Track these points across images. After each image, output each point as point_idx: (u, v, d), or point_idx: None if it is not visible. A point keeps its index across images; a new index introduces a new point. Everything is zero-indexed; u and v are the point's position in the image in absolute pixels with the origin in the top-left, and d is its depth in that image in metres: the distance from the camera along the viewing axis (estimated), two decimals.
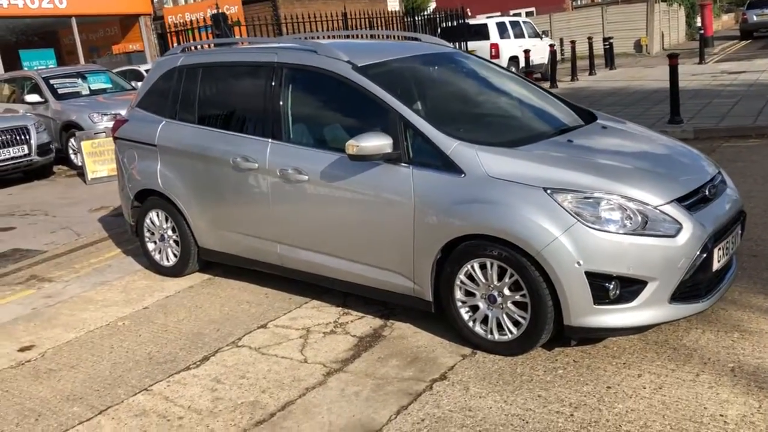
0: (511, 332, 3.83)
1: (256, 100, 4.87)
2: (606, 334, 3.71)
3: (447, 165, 3.93)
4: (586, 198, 3.59)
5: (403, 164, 4.07)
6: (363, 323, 4.52)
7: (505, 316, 3.84)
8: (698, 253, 3.57)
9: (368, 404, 3.52)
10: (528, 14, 36.18)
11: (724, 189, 4.05)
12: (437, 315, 4.19)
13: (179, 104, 5.38)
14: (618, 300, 3.55)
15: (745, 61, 19.76)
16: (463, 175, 3.86)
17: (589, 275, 3.51)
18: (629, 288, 3.54)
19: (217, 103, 5.32)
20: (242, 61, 5.15)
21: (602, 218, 3.53)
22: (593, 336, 3.76)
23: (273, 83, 4.75)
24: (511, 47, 19.49)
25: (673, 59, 9.77)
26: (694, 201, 3.73)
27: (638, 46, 27.56)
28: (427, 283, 4.06)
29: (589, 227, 3.51)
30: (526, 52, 17.67)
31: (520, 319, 3.77)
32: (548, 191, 3.63)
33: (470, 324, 3.98)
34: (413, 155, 4.08)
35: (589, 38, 21.12)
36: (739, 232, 4.05)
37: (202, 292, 5.37)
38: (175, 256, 5.62)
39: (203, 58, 5.40)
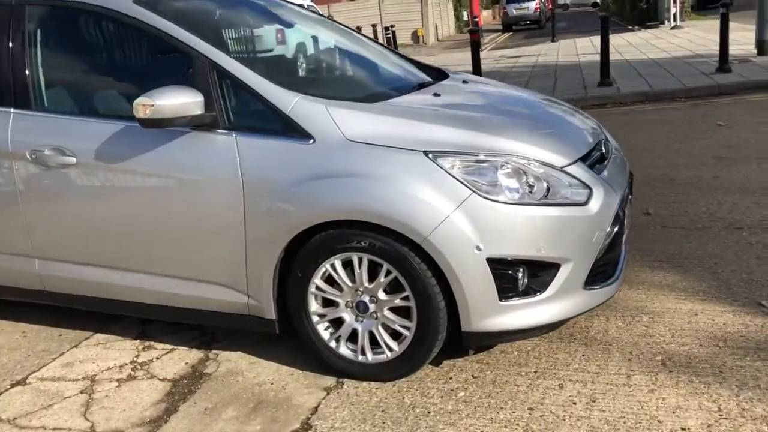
0: (390, 349, 2.84)
1: None
2: (513, 338, 2.86)
3: (287, 128, 2.83)
4: (479, 162, 2.69)
5: (221, 131, 2.89)
6: (174, 359, 3.26)
7: (380, 328, 2.84)
8: (611, 222, 2.85)
9: None
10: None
11: (610, 146, 3.40)
12: (283, 336, 3.08)
13: None
14: (527, 292, 2.71)
15: (516, 48, 20.78)
16: (311, 141, 2.78)
17: (493, 263, 2.63)
18: (539, 275, 2.72)
19: None
20: None
21: (502, 187, 2.66)
22: (496, 342, 2.91)
23: (11, 30, 3.27)
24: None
25: (474, 34, 9.45)
26: (593, 161, 3.01)
27: (415, 36, 28.14)
28: (268, 295, 2.93)
29: (488, 199, 2.63)
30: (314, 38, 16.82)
31: (402, 330, 2.80)
32: (430, 155, 2.68)
33: (332, 344, 2.93)
34: (235, 118, 2.92)
35: (374, 26, 20.92)
36: (630, 197, 3.43)
37: None
38: None
39: None
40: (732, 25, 18.37)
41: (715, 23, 21.18)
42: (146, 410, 2.85)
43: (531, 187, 2.69)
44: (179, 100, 2.78)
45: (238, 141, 2.85)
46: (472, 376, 2.86)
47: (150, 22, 3.02)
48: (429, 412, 2.64)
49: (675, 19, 20.73)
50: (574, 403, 2.60)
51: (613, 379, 2.74)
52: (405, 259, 2.67)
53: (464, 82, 3.75)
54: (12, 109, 3.26)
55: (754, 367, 2.71)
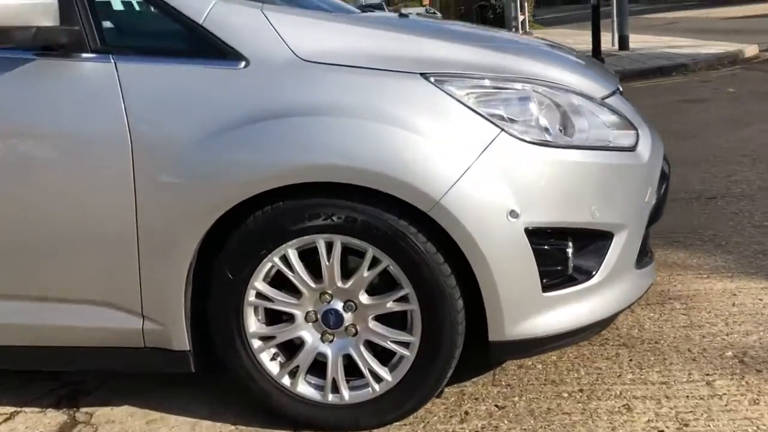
0: (378, 379, 1.88)
1: None
2: (558, 346, 1.99)
3: (201, 47, 1.80)
4: (502, 88, 1.82)
5: (90, 55, 1.80)
6: (18, 430, 2.09)
7: (362, 348, 1.87)
8: (659, 177, 2.09)
9: None
10: None
11: None
12: (196, 376, 2.02)
13: None
14: (573, 277, 1.86)
15: None
16: (242, 65, 1.78)
17: (533, 235, 1.76)
18: (587, 252, 1.89)
19: None
20: None
21: (539, 123, 1.80)
22: (534, 354, 2.03)
23: None
24: None
25: None
26: None
27: None
28: (176, 313, 1.87)
29: (523, 141, 1.76)
30: None
31: (397, 349, 1.85)
32: (432, 79, 1.77)
33: (285, 381, 1.92)
34: (112, 35, 1.89)
35: None
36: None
37: None
38: None
39: None
40: (579, 32, 19.10)
41: (560, 31, 22.08)
42: None
43: (570, 124, 1.85)
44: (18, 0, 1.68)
45: (121, 71, 1.79)
46: (497, 406, 1.97)
47: None
48: None
49: (523, 27, 21.25)
50: (663, 431, 1.78)
51: (692, 390, 1.96)
52: (402, 238, 1.74)
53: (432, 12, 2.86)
54: None
55: None
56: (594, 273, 1.87)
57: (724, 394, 1.92)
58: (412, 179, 1.69)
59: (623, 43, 11.99)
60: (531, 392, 2.02)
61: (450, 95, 1.75)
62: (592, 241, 1.88)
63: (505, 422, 1.88)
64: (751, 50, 11.35)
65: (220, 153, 1.74)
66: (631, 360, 2.15)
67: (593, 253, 1.89)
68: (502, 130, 1.74)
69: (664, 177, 2.12)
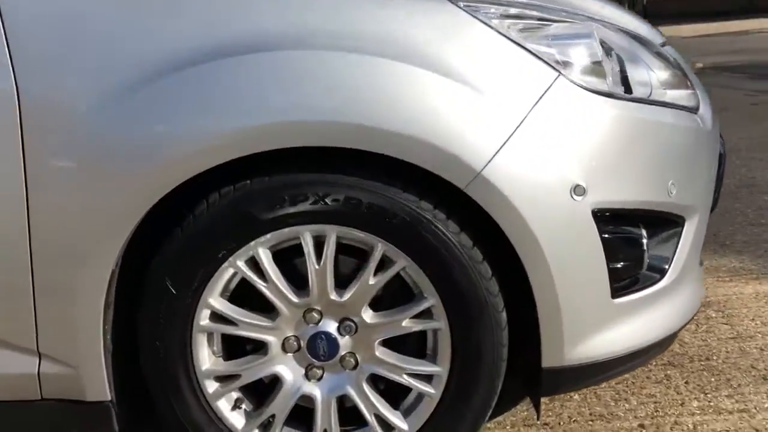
0: (387, 430, 1.33)
1: None
2: (621, 372, 1.49)
3: None
4: (550, 20, 1.33)
5: None
6: None
7: (365, 387, 1.32)
8: (720, 144, 1.67)
9: None
10: None
11: None
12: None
13: None
14: (646, 278, 1.40)
15: None
16: None
17: (601, 219, 1.27)
18: (657, 243, 1.42)
19: None
20: None
21: (602, 70, 1.33)
22: (592, 384, 1.53)
23: None
24: None
25: None
26: None
27: None
28: (94, 349, 1.27)
29: (587, 90, 1.28)
30: None
31: (418, 385, 1.31)
32: (461, 4, 1.26)
33: None
34: None
35: None
36: None
37: None
38: None
39: None
40: None
41: None
42: None
43: (632, 75, 1.39)
44: None
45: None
46: None
47: None
48: None
49: None
50: None
51: None
52: (426, 227, 1.22)
53: None
54: None
55: None
56: (666, 271, 1.41)
57: None
58: (444, 142, 1.18)
59: None
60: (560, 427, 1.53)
61: (488, 25, 1.25)
62: (663, 229, 1.42)
63: None
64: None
65: (145, 112, 1.18)
66: (687, 383, 1.71)
67: (663, 246, 1.43)
68: (560, 73, 1.25)
69: (721, 156, 1.69)
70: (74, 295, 1.24)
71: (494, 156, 1.19)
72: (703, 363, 1.80)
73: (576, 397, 1.67)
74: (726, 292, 2.23)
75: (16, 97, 1.18)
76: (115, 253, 1.21)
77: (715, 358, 1.82)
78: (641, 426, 1.54)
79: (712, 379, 1.71)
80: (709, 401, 1.62)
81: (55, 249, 1.22)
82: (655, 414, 1.58)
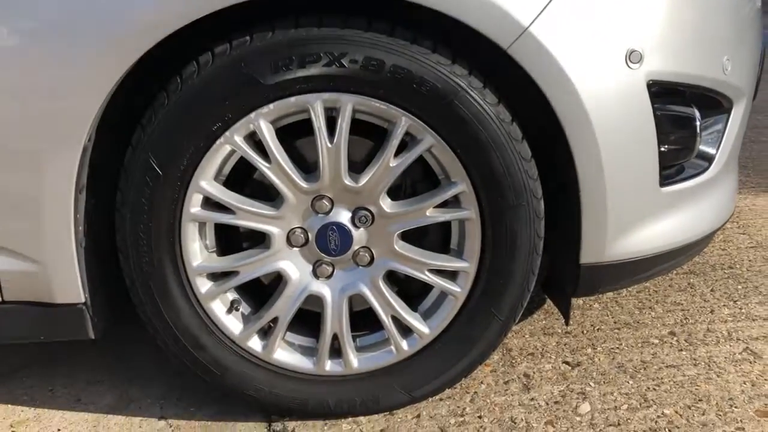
0: (406, 334, 1.17)
1: None
2: (661, 271, 1.33)
3: None
4: None
5: None
6: None
7: (382, 285, 1.15)
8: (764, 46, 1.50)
9: None
10: None
11: None
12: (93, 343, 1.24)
13: None
14: (694, 165, 1.25)
15: None
16: None
17: (656, 94, 1.10)
18: (705, 127, 1.27)
19: None
20: None
21: None
22: (631, 284, 1.38)
23: None
24: None
25: None
26: None
27: None
28: (63, 243, 1.07)
29: None
30: None
31: (443, 283, 1.15)
32: None
33: (254, 344, 1.17)
34: None
35: None
36: None
37: None
38: None
39: None
40: None
41: None
42: None
43: None
44: None
45: None
46: (567, 363, 1.34)
47: None
48: None
49: None
50: None
51: None
52: (460, 97, 1.04)
53: None
54: None
55: None
56: (713, 160, 1.26)
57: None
58: None
59: None
60: (605, 341, 1.40)
61: None
62: (713, 111, 1.26)
63: (593, 385, 1.26)
64: None
65: None
66: (713, 291, 1.59)
67: (712, 131, 1.28)
68: None
69: (764, 45, 1.53)
70: (39, 179, 1.03)
71: (544, 9, 1.00)
72: (726, 271, 1.68)
73: (596, 305, 1.54)
74: (738, 204, 2.11)
75: None
76: (87, 124, 1.01)
77: (738, 266, 1.70)
78: (672, 333, 1.41)
79: (739, 287, 1.60)
80: (740, 308, 1.50)
81: (15, 119, 1.01)
82: (685, 321, 1.46)
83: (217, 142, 1.06)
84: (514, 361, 1.34)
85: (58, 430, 1.23)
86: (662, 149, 1.14)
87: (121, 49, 0.98)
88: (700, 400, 1.20)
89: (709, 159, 1.26)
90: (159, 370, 1.36)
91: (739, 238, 1.87)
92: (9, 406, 1.31)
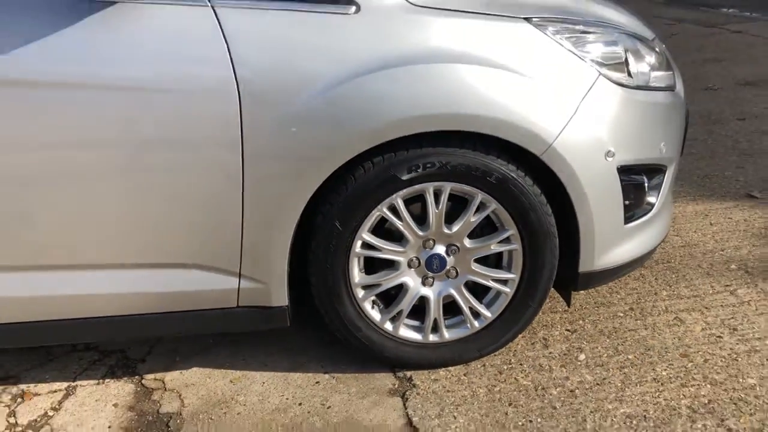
0: (477, 316, 1.98)
1: None
2: (627, 272, 2.15)
3: None
4: (590, 33, 1.92)
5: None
6: (89, 404, 1.96)
7: (464, 289, 1.95)
8: (686, 112, 2.32)
9: None
10: None
11: None
12: (241, 334, 2.00)
13: None
14: (644, 209, 2.07)
15: None
16: (353, 10, 1.72)
17: (623, 172, 1.92)
18: (651, 185, 2.08)
19: None
20: None
21: (627, 66, 1.94)
22: (610, 281, 2.19)
23: None
24: None
25: None
26: None
27: None
28: (277, 271, 1.83)
29: (616, 83, 1.89)
30: None
31: (499, 287, 1.95)
32: (534, 20, 1.83)
33: (387, 326, 1.96)
34: None
35: None
36: None
37: None
38: None
39: None
40: None
41: None
42: None
43: (639, 67, 2.00)
44: None
45: (221, 13, 1.66)
46: (568, 330, 2.16)
47: None
48: (573, 391, 1.88)
49: None
50: (720, 336, 2.07)
51: (722, 300, 2.27)
52: (511, 182, 1.82)
53: None
54: None
55: None
56: (654, 203, 2.08)
57: (750, 300, 2.25)
58: (528, 123, 1.76)
59: None
60: (590, 315, 2.22)
61: (553, 39, 1.82)
62: (653, 174, 2.07)
63: (585, 343, 2.08)
64: None
65: (336, 102, 1.69)
66: (656, 279, 2.42)
67: (654, 186, 2.09)
68: (600, 73, 1.85)
69: (687, 115, 2.34)
70: (273, 231, 1.77)
71: (561, 132, 1.79)
72: (665, 265, 2.52)
73: (582, 292, 2.36)
74: (673, 210, 2.95)
75: (235, 85, 1.65)
76: (304, 202, 1.75)
77: (672, 261, 2.54)
78: (631, 309, 2.24)
79: (673, 276, 2.43)
80: (674, 291, 2.34)
81: (261, 199, 1.74)
82: (640, 301, 2.29)
83: (373, 211, 1.82)
84: (535, 330, 2.15)
85: (263, 383, 2.00)
86: (626, 203, 1.94)
87: (333, 157, 1.72)
88: (648, 350, 2.03)
89: (652, 204, 2.07)
90: (316, 345, 2.13)
91: (674, 239, 2.71)
92: (220, 369, 2.06)
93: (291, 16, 1.70)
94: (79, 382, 2.04)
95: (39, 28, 1.60)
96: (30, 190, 1.68)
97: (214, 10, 1.66)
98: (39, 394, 2.00)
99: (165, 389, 2.00)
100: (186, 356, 2.14)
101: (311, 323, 2.17)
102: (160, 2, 1.64)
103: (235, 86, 1.66)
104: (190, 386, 2.00)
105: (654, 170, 2.06)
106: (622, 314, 2.22)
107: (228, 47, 1.65)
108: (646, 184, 2.00)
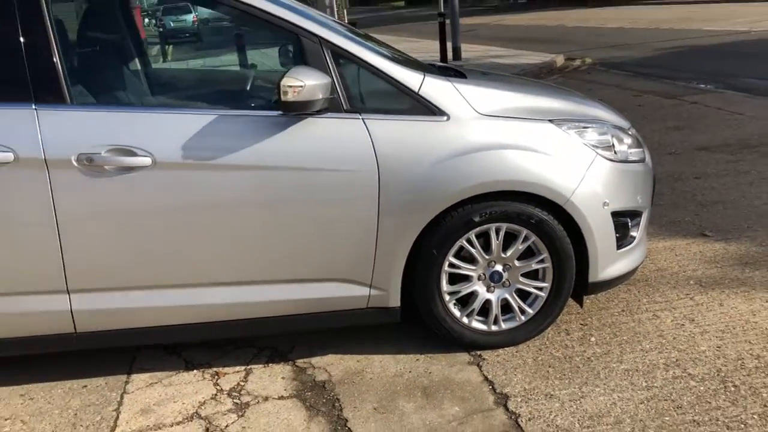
0: (523, 312, 2.98)
1: None
2: (618, 284, 3.19)
3: (417, 108, 2.77)
4: (589, 128, 3.00)
5: (345, 114, 2.70)
6: (264, 378, 2.91)
7: (514, 294, 2.96)
8: (654, 179, 3.40)
9: None
10: None
11: None
12: (355, 330, 2.98)
13: None
14: (629, 240, 3.11)
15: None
16: (445, 118, 2.78)
17: (615, 216, 2.97)
18: (632, 224, 3.14)
19: None
20: None
21: (613, 147, 3.01)
22: (608, 288, 3.20)
23: (17, 4, 2.54)
24: None
25: None
26: None
27: None
28: (395, 283, 2.83)
29: (606, 159, 2.96)
30: None
31: (537, 292, 2.97)
32: (554, 122, 2.91)
33: (464, 320, 2.95)
34: (357, 100, 2.75)
35: None
36: None
37: None
38: None
39: None
40: (413, 39, 20.75)
41: (395, 37, 23.27)
42: (309, 428, 2.55)
43: (620, 147, 3.08)
44: (318, 81, 2.55)
45: (368, 123, 2.71)
46: (581, 324, 3.16)
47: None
48: (589, 358, 2.88)
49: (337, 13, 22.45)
50: (683, 324, 3.09)
51: (686, 303, 3.29)
52: (544, 222, 2.86)
53: (483, 73, 3.93)
54: (35, 105, 2.54)
55: (757, 274, 3.52)
56: (635, 237, 3.13)
57: (703, 303, 3.27)
58: (555, 185, 2.81)
59: (457, 54, 13.72)
60: (595, 314, 3.24)
61: (566, 133, 2.90)
62: (634, 217, 3.13)
63: (594, 331, 3.09)
64: (560, 60, 13.59)
65: (437, 174, 2.73)
66: (639, 291, 3.45)
67: (634, 225, 3.13)
68: (597, 153, 2.92)
69: (654, 177, 3.41)
70: (394, 255, 2.78)
71: (575, 190, 2.83)
72: (644, 282, 3.55)
73: (588, 300, 3.37)
74: (648, 245, 4.01)
75: (376, 165, 2.68)
76: (415, 237, 2.77)
77: (649, 279, 3.57)
78: (622, 310, 3.26)
79: (650, 289, 3.46)
80: (651, 298, 3.36)
81: (389, 236, 2.74)
82: (628, 305, 3.30)
83: (457, 242, 2.84)
84: (559, 324, 3.16)
85: (380, 361, 2.96)
86: (617, 236, 2.99)
87: (434, 208, 2.74)
88: (636, 334, 3.03)
89: (634, 237, 3.12)
90: (412, 337, 3.10)
91: (650, 265, 3.75)
92: (348, 354, 3.02)
93: (409, 122, 2.75)
94: (252, 366, 2.99)
95: (262, 134, 2.63)
96: (244, 232, 2.68)
97: (364, 122, 2.70)
98: (227, 374, 2.95)
99: (313, 367, 2.96)
100: (321, 348, 3.10)
101: (407, 324, 3.15)
102: (330, 117, 2.68)
103: (376, 165, 2.70)
104: (330, 365, 2.96)
105: (634, 214, 3.11)
106: (617, 313, 3.24)
107: (372, 142, 2.70)
108: (629, 223, 3.05)
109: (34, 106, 2.54)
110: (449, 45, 13.70)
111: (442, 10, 14.29)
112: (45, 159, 2.51)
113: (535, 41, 17.11)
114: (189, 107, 2.76)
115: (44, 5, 2.55)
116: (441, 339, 2.99)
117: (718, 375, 2.68)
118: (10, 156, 2.49)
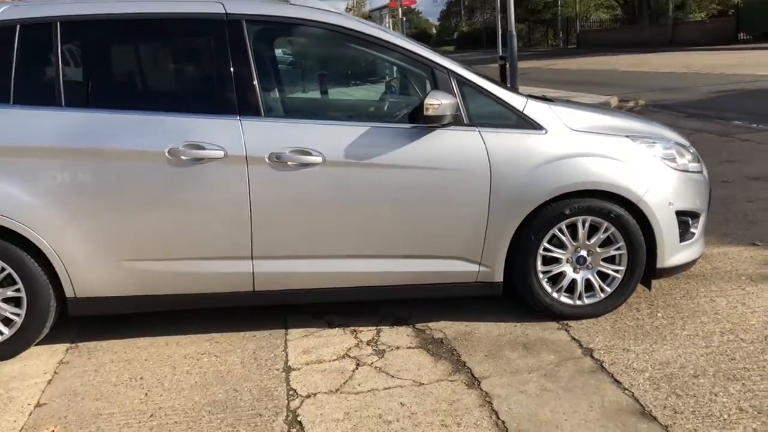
0: (603, 290, 3.69)
1: (191, 67, 3.44)
2: (680, 271, 3.88)
3: (521, 123, 3.55)
4: (657, 143, 3.73)
5: (466, 127, 3.50)
6: (392, 336, 3.66)
7: (596, 275, 3.68)
8: (710, 189, 4.09)
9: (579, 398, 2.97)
10: None
11: None
12: (455, 302, 3.71)
13: (18, 80, 3.37)
14: (690, 236, 3.80)
15: None
16: (544, 132, 3.55)
17: (678, 214, 3.67)
18: (693, 223, 3.83)
19: (107, 76, 3.53)
20: (152, 13, 3.52)
21: (676, 160, 3.74)
22: (673, 274, 3.89)
23: (229, 43, 3.43)
24: None
25: None
26: None
27: None
28: (499, 262, 3.58)
29: (671, 168, 3.68)
30: None
31: (613, 274, 3.67)
32: (629, 138, 3.66)
33: (555, 294, 3.67)
34: (474, 117, 3.54)
35: None
36: None
37: (109, 368, 3.47)
38: (7, 324, 3.47)
39: (65, 10, 3.49)
40: None
41: None
42: (437, 366, 3.28)
43: (681, 160, 3.80)
44: (450, 101, 3.36)
45: (483, 134, 3.50)
46: (649, 304, 3.84)
47: (390, 40, 3.52)
48: (657, 327, 3.56)
49: None
50: (735, 306, 3.74)
51: (737, 291, 3.94)
52: (621, 217, 3.58)
53: (567, 101, 4.71)
54: (239, 117, 3.40)
55: None
56: (695, 233, 3.82)
57: (752, 292, 3.92)
58: (632, 187, 3.54)
59: None
60: (662, 297, 3.91)
61: (639, 146, 3.63)
62: (694, 217, 3.82)
63: (660, 309, 3.77)
64: (614, 101, 14.29)
65: (537, 175, 3.49)
66: (697, 282, 4.11)
67: (694, 223, 3.83)
68: (665, 163, 3.65)
69: (710, 188, 4.11)
70: (501, 239, 3.53)
71: (646, 192, 3.56)
72: (702, 276, 4.21)
73: (656, 283, 4.05)
74: (705, 246, 4.67)
75: (489, 170, 3.46)
76: (518, 224, 3.52)
77: (706, 274, 4.23)
78: (683, 296, 3.93)
79: (707, 281, 4.12)
80: (707, 288, 4.02)
81: (498, 219, 3.50)
82: (689, 291, 3.97)
83: (550, 231, 3.57)
84: (630, 303, 3.84)
85: (485, 326, 3.69)
86: (679, 231, 3.69)
87: (533, 203, 3.50)
88: (695, 312, 3.69)
89: (693, 234, 3.81)
90: (508, 310, 3.82)
91: (706, 265, 4.40)
92: (457, 321, 3.75)
93: (516, 134, 3.53)
94: (380, 327, 3.75)
95: (402, 141, 3.44)
96: (386, 215, 3.47)
97: (480, 133, 3.50)
98: (362, 331, 3.71)
99: (430, 329, 3.70)
100: (434, 315, 3.84)
101: (504, 299, 3.87)
102: (454, 129, 3.48)
103: (489, 168, 3.47)
104: (444, 328, 3.70)
105: (694, 215, 3.81)
106: (678, 297, 3.91)
107: (486, 149, 3.48)
108: (690, 222, 3.75)
109: (238, 118, 3.40)
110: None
111: (501, 53, 15.19)
112: (246, 156, 3.35)
113: (587, 84, 17.85)
114: (349, 120, 3.60)
115: (248, 46, 3.43)
116: (533, 312, 3.71)
117: (765, 339, 3.34)
118: (221, 153, 3.34)
